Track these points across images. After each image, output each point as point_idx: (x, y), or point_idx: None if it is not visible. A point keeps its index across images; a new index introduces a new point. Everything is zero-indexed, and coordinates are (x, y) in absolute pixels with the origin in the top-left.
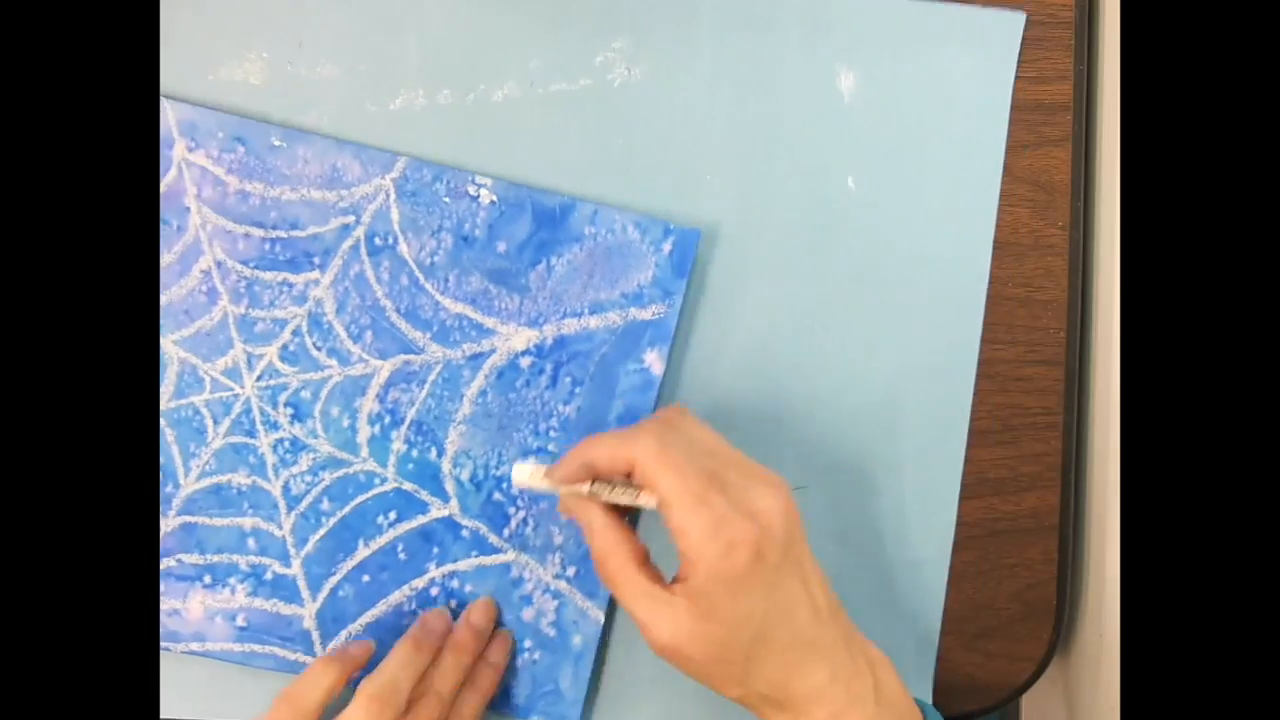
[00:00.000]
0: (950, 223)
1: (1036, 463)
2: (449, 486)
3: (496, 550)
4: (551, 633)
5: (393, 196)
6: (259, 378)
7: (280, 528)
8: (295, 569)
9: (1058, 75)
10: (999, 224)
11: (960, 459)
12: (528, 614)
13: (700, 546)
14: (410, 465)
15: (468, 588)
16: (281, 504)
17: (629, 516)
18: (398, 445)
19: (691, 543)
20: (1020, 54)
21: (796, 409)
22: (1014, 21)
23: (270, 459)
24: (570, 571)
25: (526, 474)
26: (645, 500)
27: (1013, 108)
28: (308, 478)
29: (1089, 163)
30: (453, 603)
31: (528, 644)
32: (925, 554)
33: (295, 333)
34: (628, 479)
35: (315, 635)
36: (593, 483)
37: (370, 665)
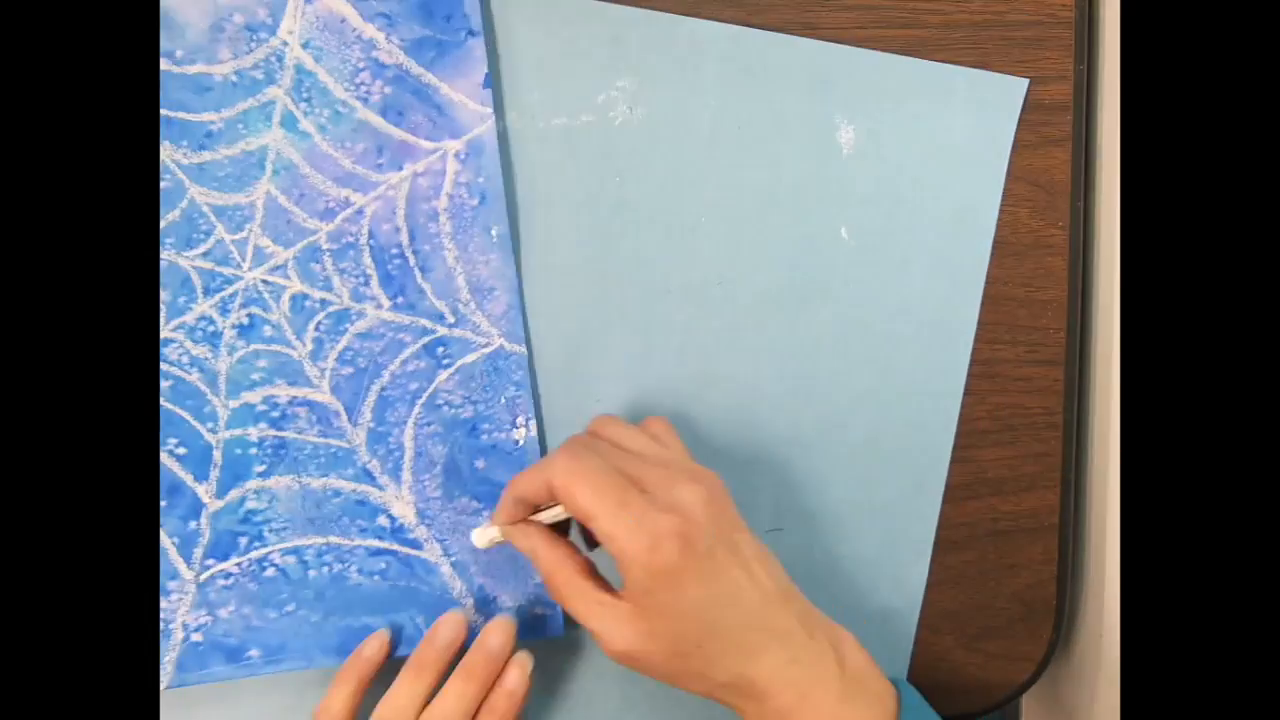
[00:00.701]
0: (940, 280)
1: (1036, 463)
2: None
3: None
4: None
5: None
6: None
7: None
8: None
9: (1058, 75)
10: (999, 223)
11: (935, 513)
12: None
13: (628, 546)
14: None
15: None
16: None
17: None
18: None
19: (620, 545)
20: (1021, 115)
21: (778, 452)
22: (1016, 87)
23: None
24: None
25: (482, 535)
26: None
27: (1010, 165)
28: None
29: (1089, 163)
30: None
31: None
32: (895, 601)
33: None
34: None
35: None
36: (533, 513)
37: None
